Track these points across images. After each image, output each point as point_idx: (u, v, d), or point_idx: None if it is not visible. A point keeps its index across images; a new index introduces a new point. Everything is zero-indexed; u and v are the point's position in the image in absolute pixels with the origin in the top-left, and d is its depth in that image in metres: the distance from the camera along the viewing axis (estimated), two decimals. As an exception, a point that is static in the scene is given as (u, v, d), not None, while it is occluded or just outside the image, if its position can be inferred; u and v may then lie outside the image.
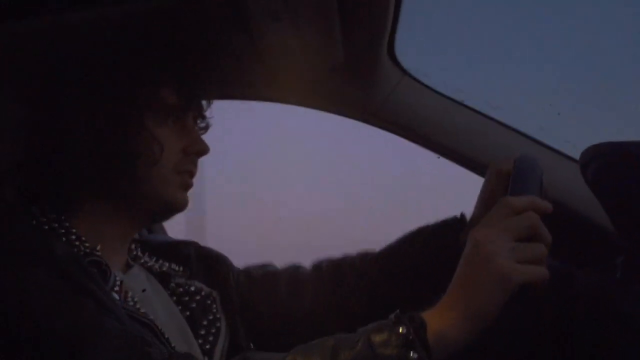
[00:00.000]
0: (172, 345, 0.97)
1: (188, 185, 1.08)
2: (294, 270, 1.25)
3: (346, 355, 0.80)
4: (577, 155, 1.19)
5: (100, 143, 0.98)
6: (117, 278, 0.98)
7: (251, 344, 1.18)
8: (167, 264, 1.16)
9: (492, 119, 1.49)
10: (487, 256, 0.83)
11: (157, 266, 1.14)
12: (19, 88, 1.08)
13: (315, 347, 0.83)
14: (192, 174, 1.08)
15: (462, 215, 1.17)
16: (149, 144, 1.01)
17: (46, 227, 0.97)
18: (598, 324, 0.99)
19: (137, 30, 1.01)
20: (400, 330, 0.80)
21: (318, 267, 1.25)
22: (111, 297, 0.91)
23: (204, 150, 1.09)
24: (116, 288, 0.96)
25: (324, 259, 1.25)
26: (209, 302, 1.13)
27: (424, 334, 0.80)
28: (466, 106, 1.50)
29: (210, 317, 1.11)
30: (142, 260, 1.14)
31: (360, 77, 1.43)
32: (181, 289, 1.11)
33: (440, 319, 0.82)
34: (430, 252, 1.15)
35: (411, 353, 0.78)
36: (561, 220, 1.38)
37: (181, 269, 1.17)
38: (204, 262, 1.20)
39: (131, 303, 0.97)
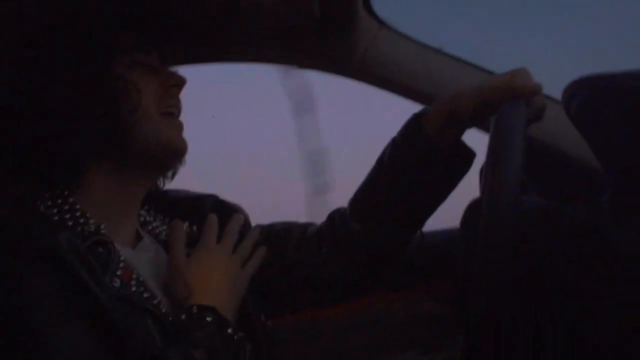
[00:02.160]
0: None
1: (179, 125, 1.07)
2: (306, 227, 1.26)
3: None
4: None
5: (76, 100, 0.97)
6: (122, 258, 0.97)
7: (262, 316, 1.18)
8: None
9: (472, 64, 1.49)
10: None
11: (164, 233, 1.13)
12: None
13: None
14: (178, 108, 1.07)
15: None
16: (124, 88, 0.99)
17: (54, 210, 0.96)
18: (588, 256, 0.99)
19: None
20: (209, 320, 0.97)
21: (324, 221, 1.25)
22: (109, 288, 0.90)
23: (181, 80, 1.07)
24: (118, 272, 0.95)
25: (333, 211, 1.25)
26: None
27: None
28: (446, 54, 1.50)
29: None
30: (151, 227, 1.13)
31: (338, 31, 1.42)
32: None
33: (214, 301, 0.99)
34: (405, 163, 1.14)
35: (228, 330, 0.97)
36: (547, 159, 1.40)
37: (195, 228, 1.15)
38: (219, 216, 1.18)
39: (134, 288, 0.96)
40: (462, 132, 1.12)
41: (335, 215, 1.23)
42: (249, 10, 1.22)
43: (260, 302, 1.18)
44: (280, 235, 1.24)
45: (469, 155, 1.14)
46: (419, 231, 1.21)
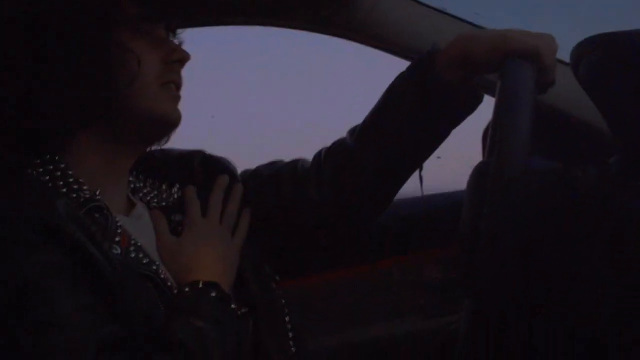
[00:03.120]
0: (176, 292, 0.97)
1: (176, 97, 1.04)
2: (296, 164, 1.23)
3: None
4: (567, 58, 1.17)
5: (74, 65, 0.94)
6: (119, 224, 0.96)
7: (264, 267, 1.17)
8: (170, 191, 1.14)
9: (476, 25, 1.47)
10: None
11: (155, 200, 1.12)
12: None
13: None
14: (177, 84, 1.04)
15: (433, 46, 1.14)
16: (124, 57, 0.97)
17: (47, 177, 0.94)
18: (600, 221, 0.98)
19: None
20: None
21: (317, 156, 1.23)
22: (111, 256, 0.89)
23: (184, 56, 1.04)
24: (117, 239, 0.94)
25: (323, 148, 1.23)
26: None
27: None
28: (450, 15, 1.48)
29: None
30: (142, 193, 1.11)
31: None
32: (180, 227, 1.09)
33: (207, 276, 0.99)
34: (411, 97, 1.12)
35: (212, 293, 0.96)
36: (555, 122, 1.38)
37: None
38: (208, 172, 1.18)
39: (132, 255, 0.95)
40: (472, 74, 1.10)
41: (334, 148, 1.21)
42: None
43: (266, 258, 1.17)
44: (270, 180, 1.21)
45: (476, 97, 1.13)
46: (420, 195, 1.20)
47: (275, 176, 1.21)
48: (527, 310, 1.02)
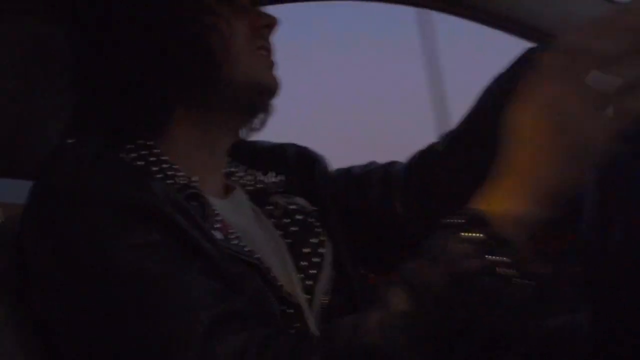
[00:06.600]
0: (280, 284, 0.91)
1: (270, 63, 1.00)
2: (388, 168, 1.15)
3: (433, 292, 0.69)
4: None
5: (164, 36, 0.91)
6: (216, 211, 0.92)
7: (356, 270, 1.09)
8: (263, 178, 1.09)
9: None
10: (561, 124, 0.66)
11: (252, 182, 1.07)
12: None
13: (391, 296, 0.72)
14: (269, 50, 1.00)
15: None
16: (215, 22, 0.93)
17: (141, 162, 0.91)
18: None
19: None
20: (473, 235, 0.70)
21: (408, 163, 1.14)
22: (213, 239, 0.85)
23: (272, 21, 1.00)
24: (217, 225, 0.90)
25: (415, 151, 1.14)
26: (310, 220, 1.05)
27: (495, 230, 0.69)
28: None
29: (315, 240, 1.03)
30: (235, 177, 1.07)
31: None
32: (281, 210, 1.04)
33: (506, 205, 0.70)
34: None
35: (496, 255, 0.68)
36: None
37: (280, 178, 1.09)
38: (302, 164, 1.14)
39: (234, 241, 0.90)
40: None
41: (423, 153, 1.12)
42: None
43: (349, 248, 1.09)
44: (360, 181, 1.14)
45: None
46: None
47: (366, 178, 1.14)
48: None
